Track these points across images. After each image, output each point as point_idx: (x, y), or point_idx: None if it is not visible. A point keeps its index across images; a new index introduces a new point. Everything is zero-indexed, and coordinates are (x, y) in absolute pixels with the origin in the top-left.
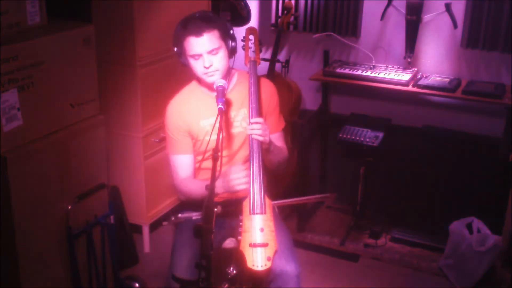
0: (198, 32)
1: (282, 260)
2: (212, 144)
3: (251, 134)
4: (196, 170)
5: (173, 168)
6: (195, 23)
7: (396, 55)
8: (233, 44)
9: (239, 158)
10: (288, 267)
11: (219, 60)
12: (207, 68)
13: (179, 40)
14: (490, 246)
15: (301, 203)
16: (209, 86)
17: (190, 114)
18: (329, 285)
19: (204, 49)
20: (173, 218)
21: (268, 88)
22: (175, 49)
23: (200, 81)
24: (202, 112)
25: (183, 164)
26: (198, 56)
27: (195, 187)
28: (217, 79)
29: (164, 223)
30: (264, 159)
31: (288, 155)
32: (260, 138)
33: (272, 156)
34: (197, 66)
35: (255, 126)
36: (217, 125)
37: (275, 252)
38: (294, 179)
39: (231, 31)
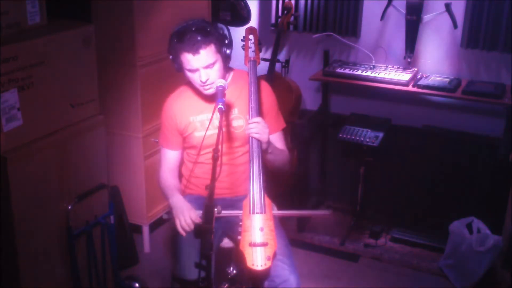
0: (195, 50)
1: (286, 271)
2: (204, 140)
3: (250, 134)
4: (194, 164)
5: (160, 158)
6: (191, 39)
7: (396, 55)
8: (229, 52)
9: (233, 156)
10: (291, 277)
11: (215, 73)
12: (204, 82)
13: (175, 52)
14: (490, 246)
15: (298, 216)
16: (200, 93)
17: (180, 110)
18: (329, 285)
19: (201, 65)
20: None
21: (262, 88)
22: (170, 57)
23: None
24: (192, 108)
25: (167, 158)
26: (194, 70)
27: (162, 186)
28: (216, 82)
29: (165, 216)
30: (264, 160)
31: (290, 157)
32: (257, 136)
33: (271, 157)
34: (194, 79)
35: (252, 125)
36: (207, 123)
37: (275, 252)
38: (294, 179)
39: (227, 40)
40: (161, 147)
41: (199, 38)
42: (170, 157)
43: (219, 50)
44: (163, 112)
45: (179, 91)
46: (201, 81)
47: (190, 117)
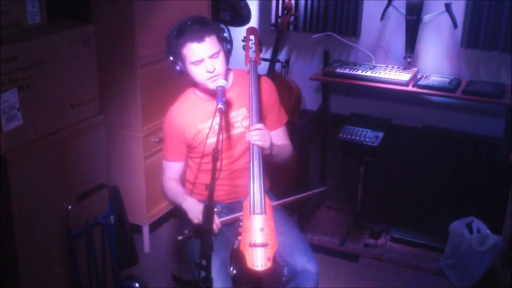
0: (199, 38)
1: (303, 258)
2: (211, 146)
3: (251, 141)
4: (197, 172)
5: (163, 169)
6: (193, 29)
7: (396, 55)
8: (229, 46)
9: (242, 159)
10: (310, 265)
11: (220, 64)
12: (211, 72)
13: (176, 48)
14: (490, 246)
15: (297, 200)
16: (206, 91)
17: (187, 120)
18: (329, 285)
19: (206, 54)
20: (186, 232)
21: (265, 85)
22: (171, 58)
23: (198, 87)
24: (200, 115)
25: (171, 170)
26: (199, 61)
27: (170, 194)
28: (217, 82)
29: (179, 237)
30: (268, 161)
31: (292, 149)
32: (259, 143)
33: (275, 159)
34: (200, 72)
35: (253, 132)
36: (214, 126)
37: (275, 253)
38: (294, 179)
39: (225, 34)
40: (166, 160)
41: (201, 27)
42: (176, 169)
43: (221, 41)
44: (165, 124)
45: (182, 100)
46: (208, 71)
47: (199, 125)
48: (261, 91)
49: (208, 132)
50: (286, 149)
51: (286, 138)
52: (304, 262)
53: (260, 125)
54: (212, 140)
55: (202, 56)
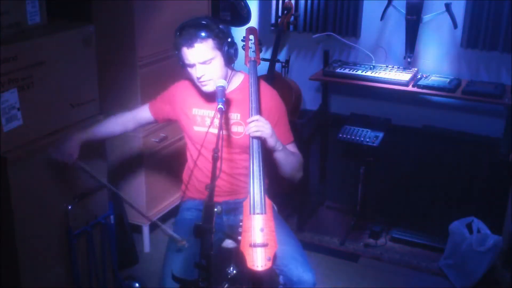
0: (189, 44)
1: (299, 269)
2: (198, 134)
3: (250, 134)
4: (193, 168)
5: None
6: (188, 33)
7: (396, 55)
8: (231, 50)
9: (232, 163)
10: (306, 276)
11: (212, 70)
12: (198, 78)
13: (176, 46)
14: (490, 246)
15: None
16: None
17: (187, 98)
18: (329, 285)
19: (196, 60)
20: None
21: (271, 98)
22: (176, 52)
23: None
24: (198, 100)
25: (137, 110)
26: (191, 65)
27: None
28: (217, 82)
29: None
30: (276, 163)
31: (303, 160)
32: (258, 134)
33: (281, 156)
34: (192, 74)
35: (251, 124)
36: (207, 119)
37: (275, 253)
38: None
39: (229, 38)
40: (146, 104)
41: (195, 32)
42: (140, 113)
43: (219, 47)
44: (172, 87)
45: (192, 82)
46: (196, 77)
47: (193, 109)
48: (266, 104)
49: (208, 127)
50: (294, 154)
51: (294, 150)
52: (300, 272)
53: (257, 117)
54: (199, 129)
55: (192, 61)
